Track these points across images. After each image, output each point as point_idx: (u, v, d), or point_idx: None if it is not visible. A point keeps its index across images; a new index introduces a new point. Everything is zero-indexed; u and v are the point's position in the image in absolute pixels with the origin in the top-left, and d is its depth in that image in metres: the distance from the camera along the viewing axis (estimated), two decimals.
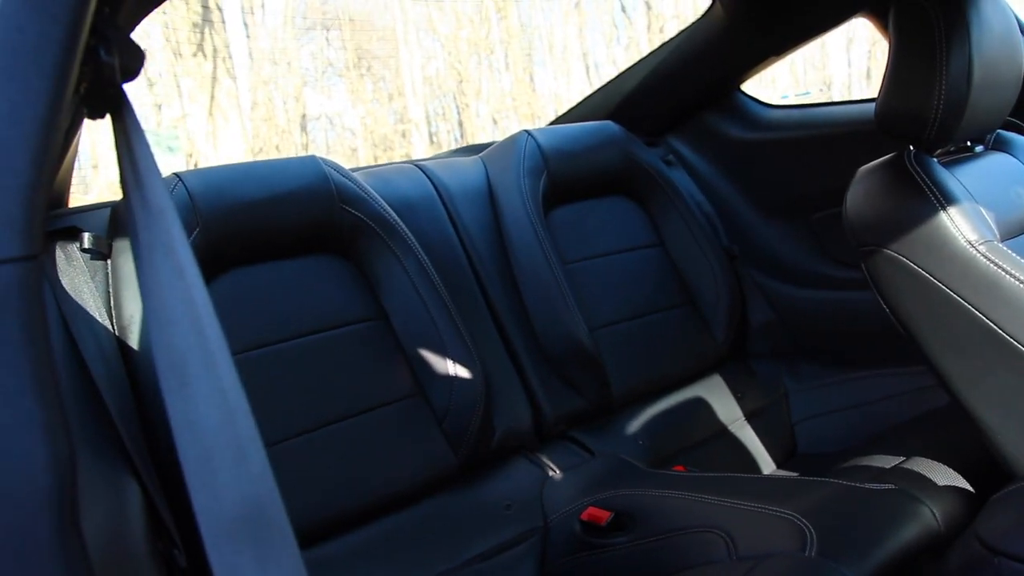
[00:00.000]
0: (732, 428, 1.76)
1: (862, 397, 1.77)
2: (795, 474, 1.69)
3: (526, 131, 1.72)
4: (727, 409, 1.78)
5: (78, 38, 0.55)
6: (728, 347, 1.83)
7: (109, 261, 1.22)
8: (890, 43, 1.30)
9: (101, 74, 0.62)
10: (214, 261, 1.28)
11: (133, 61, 0.64)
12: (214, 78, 8.56)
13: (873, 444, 1.51)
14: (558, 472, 1.48)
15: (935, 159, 1.29)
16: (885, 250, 1.24)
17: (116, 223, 1.26)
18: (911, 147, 1.30)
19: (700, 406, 1.75)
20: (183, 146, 9.65)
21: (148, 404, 1.10)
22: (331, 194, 1.38)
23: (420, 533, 1.33)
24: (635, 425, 1.64)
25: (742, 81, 1.93)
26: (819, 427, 1.82)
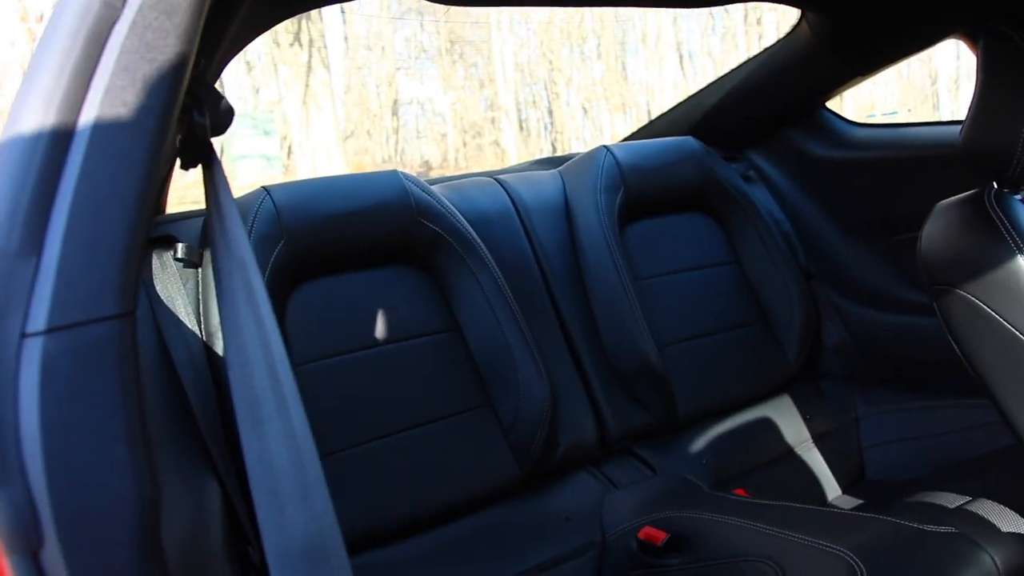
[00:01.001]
0: (798, 450, 1.75)
1: (936, 427, 1.73)
2: (859, 501, 1.68)
3: (604, 146, 1.73)
4: (794, 430, 1.77)
5: (175, 104, 0.60)
6: (799, 367, 1.82)
7: (200, 269, 1.30)
8: (977, 73, 1.27)
9: (193, 132, 0.67)
10: (297, 271, 1.34)
11: (223, 119, 0.70)
12: (309, 68, 8.77)
13: (942, 478, 1.49)
14: (619, 488, 1.51)
15: (1018, 198, 1.26)
16: (958, 291, 1.22)
17: (207, 233, 1.34)
18: (994, 184, 1.27)
19: (767, 426, 1.75)
20: (278, 128, 9.95)
21: (230, 412, 1.17)
22: (411, 208, 1.43)
23: (480, 542, 1.37)
24: (700, 443, 1.65)
25: (827, 99, 1.89)
26: (889, 453, 1.79)
